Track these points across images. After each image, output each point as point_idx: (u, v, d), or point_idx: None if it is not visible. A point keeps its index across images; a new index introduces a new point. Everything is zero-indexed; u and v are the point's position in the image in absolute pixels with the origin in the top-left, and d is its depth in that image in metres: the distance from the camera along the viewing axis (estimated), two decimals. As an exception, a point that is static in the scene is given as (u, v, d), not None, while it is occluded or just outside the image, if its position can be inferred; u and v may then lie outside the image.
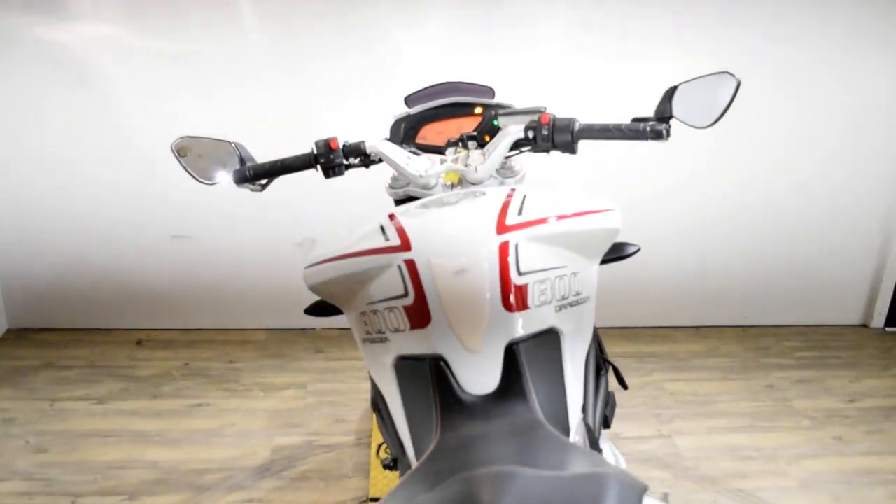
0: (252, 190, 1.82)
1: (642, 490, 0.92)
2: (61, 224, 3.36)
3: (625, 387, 1.72)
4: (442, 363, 1.22)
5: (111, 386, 3.11)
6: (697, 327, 3.80)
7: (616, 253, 1.66)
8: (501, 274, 1.25)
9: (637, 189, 3.39)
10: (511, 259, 1.27)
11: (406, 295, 1.27)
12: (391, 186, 1.78)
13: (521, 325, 1.24)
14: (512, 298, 1.24)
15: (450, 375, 1.21)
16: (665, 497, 2.58)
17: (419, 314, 1.25)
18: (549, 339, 1.28)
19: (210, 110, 3.16)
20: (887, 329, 3.92)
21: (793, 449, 2.90)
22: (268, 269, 3.48)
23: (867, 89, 3.48)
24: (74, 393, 3.05)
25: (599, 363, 1.57)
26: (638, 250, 1.69)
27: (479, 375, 1.21)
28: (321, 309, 1.72)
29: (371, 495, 2.45)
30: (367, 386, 3.06)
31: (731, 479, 2.69)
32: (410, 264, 1.29)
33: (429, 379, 1.23)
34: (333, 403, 3.03)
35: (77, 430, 2.83)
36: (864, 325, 3.94)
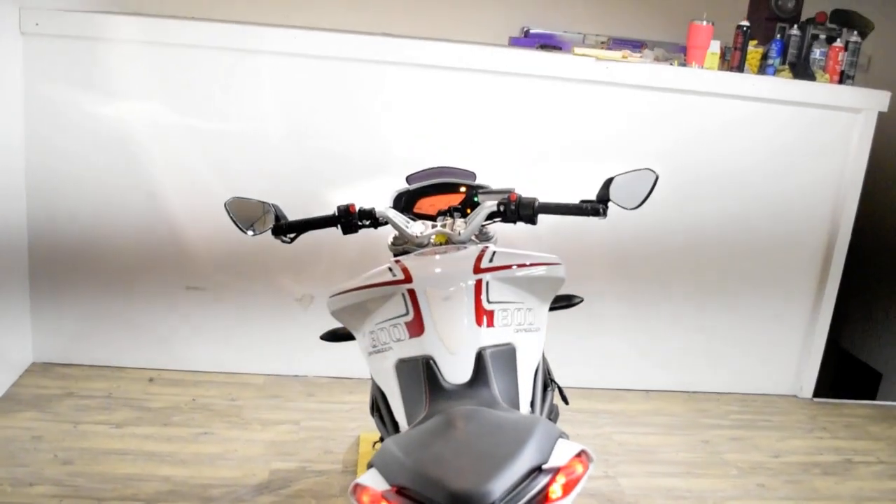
0: (283, 241, 2.31)
1: (560, 433, 1.41)
2: (88, 269, 3.82)
3: (566, 402, 2.19)
4: (431, 362, 1.71)
5: (127, 414, 3.52)
6: (647, 391, 4.28)
7: (564, 302, 2.19)
8: (476, 301, 1.76)
9: (586, 263, 3.93)
10: (483, 291, 1.78)
11: (407, 314, 1.77)
12: (393, 244, 2.29)
13: (488, 338, 1.74)
14: (483, 318, 1.74)
15: (436, 370, 1.70)
16: (607, 524, 3.01)
17: (416, 327, 1.75)
18: (507, 351, 1.78)
19: (229, 180, 3.68)
20: (814, 399, 4.42)
21: (720, 492, 3.35)
22: (270, 321, 3.94)
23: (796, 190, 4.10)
24: (95, 418, 3.46)
25: (547, 381, 2.07)
26: (581, 301, 2.21)
27: (456, 370, 1.70)
28: (333, 336, 2.21)
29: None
30: (353, 426, 3.51)
31: (666, 515, 3.13)
32: (411, 292, 1.79)
33: (421, 373, 1.71)
34: (323, 438, 3.46)
35: (98, 448, 3.23)
36: (794, 395, 4.44)
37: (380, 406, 1.96)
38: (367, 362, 1.95)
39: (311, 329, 3.47)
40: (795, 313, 4.33)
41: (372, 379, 2.00)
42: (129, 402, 3.64)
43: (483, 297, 1.78)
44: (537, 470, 1.35)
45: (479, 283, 1.80)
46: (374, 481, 1.37)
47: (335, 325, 2.14)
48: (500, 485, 1.27)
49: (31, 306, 3.83)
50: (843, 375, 5.81)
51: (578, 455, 1.41)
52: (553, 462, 1.37)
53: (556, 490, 1.39)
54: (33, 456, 3.14)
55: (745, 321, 4.28)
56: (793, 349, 4.38)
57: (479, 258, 1.87)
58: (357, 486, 1.38)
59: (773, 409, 4.27)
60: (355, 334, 2.01)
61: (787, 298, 4.30)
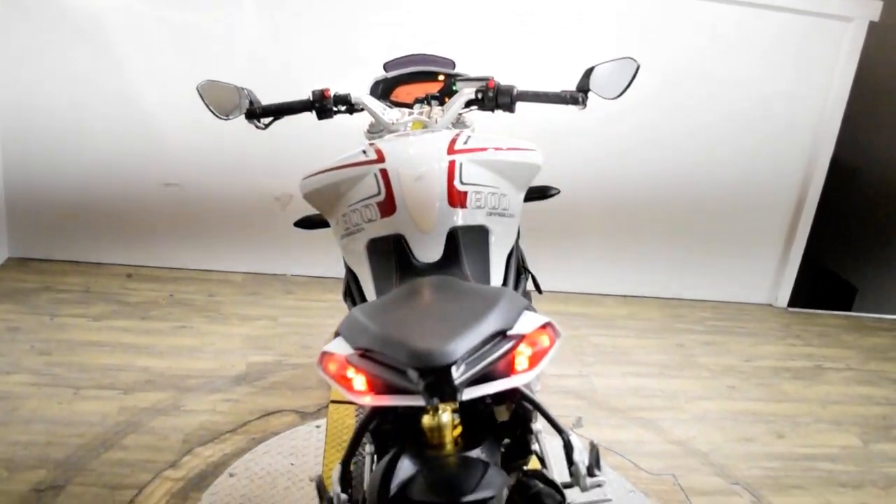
0: (257, 127, 2.25)
1: (527, 305, 1.41)
2: (64, 166, 3.75)
3: (539, 291, 2.20)
4: (402, 241, 1.69)
5: (104, 308, 3.52)
6: (624, 296, 4.32)
7: (540, 193, 2.17)
8: (448, 181, 1.73)
9: (573, 172, 3.90)
10: (456, 172, 1.75)
11: (379, 194, 1.74)
12: (369, 131, 2.25)
13: (460, 218, 1.72)
14: (455, 198, 1.72)
15: (407, 249, 1.68)
16: (578, 421, 3.07)
17: (387, 206, 1.72)
18: (480, 233, 1.76)
19: (203, 73, 3.58)
20: (789, 308, 4.48)
21: (691, 392, 3.42)
22: (249, 218, 3.91)
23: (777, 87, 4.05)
24: (72, 311, 3.46)
25: (521, 268, 2.06)
26: (558, 192, 2.19)
27: (428, 249, 1.69)
28: (307, 223, 2.18)
29: (332, 398, 2.90)
30: (331, 321, 3.52)
31: (636, 411, 3.19)
32: (383, 172, 1.76)
33: (392, 252, 1.70)
34: (300, 333, 3.48)
35: (75, 340, 3.23)
36: (770, 304, 4.50)
37: (352, 290, 1.95)
38: (340, 247, 1.94)
39: (290, 228, 3.45)
40: (774, 225, 4.35)
41: (345, 264, 1.99)
42: (106, 296, 3.63)
43: (456, 178, 1.75)
44: (501, 335, 1.36)
45: (452, 163, 1.77)
46: (339, 347, 1.37)
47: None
48: (463, 345, 1.27)
49: (6, 202, 3.78)
50: (820, 289, 5.88)
51: (545, 327, 1.41)
52: (518, 329, 1.37)
53: (521, 361, 1.40)
54: (10, 346, 3.14)
55: (724, 232, 4.30)
56: (770, 260, 4.41)
57: (454, 140, 1.83)
58: (323, 353, 1.39)
59: (747, 316, 4.33)
60: (329, 219, 1.99)
61: (766, 211, 4.31)
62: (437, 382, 1.27)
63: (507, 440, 1.79)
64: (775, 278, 4.45)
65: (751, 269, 4.42)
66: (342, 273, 2.01)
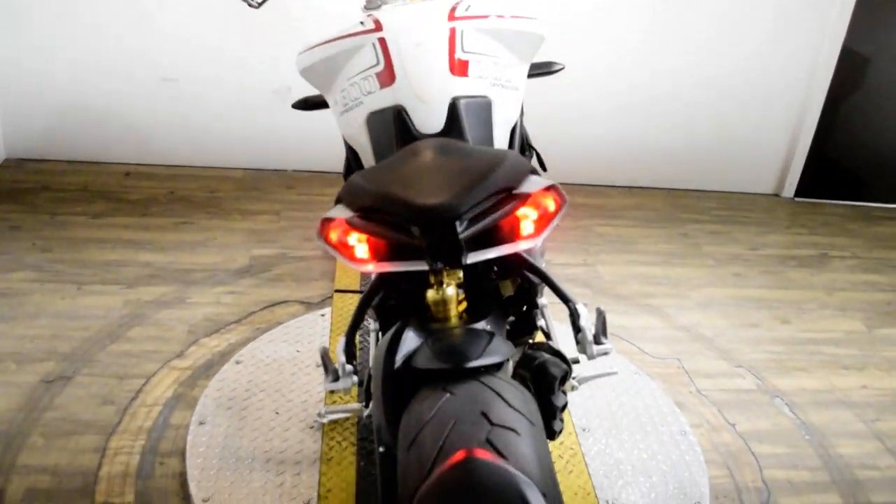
0: (250, 5, 2.16)
1: (532, 169, 1.36)
2: (59, 63, 3.65)
3: (544, 169, 2.15)
4: (402, 112, 1.63)
5: (104, 206, 3.49)
6: (630, 187, 4.27)
7: (544, 69, 2.08)
8: (449, 48, 1.66)
9: (581, 65, 3.78)
10: (457, 40, 1.68)
11: (377, 64, 1.67)
12: (366, 7, 2.15)
13: (462, 87, 1.66)
14: (456, 67, 1.65)
15: (408, 120, 1.63)
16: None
17: (387, 76, 1.66)
18: (483, 104, 1.70)
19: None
20: (796, 199, 4.43)
21: (696, 280, 3.41)
22: (247, 113, 3.83)
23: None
24: (72, 209, 3.42)
25: (525, 145, 2.01)
26: (562, 68, 2.11)
27: (429, 120, 1.63)
28: (305, 104, 2.11)
29: (336, 287, 2.89)
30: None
31: (641, 298, 3.19)
32: (382, 41, 1.69)
33: (392, 124, 1.64)
34: (303, 227, 3.45)
35: (76, 237, 3.21)
36: (776, 195, 4.45)
37: (353, 168, 1.91)
38: (339, 125, 1.88)
39: (290, 123, 3.41)
40: (781, 116, 4.25)
41: (345, 142, 1.94)
42: (105, 194, 3.59)
43: (458, 46, 1.68)
44: (506, 193, 1.32)
45: (453, 31, 1.69)
46: (339, 212, 1.34)
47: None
48: (467, 201, 1.24)
49: (0, 103, 3.70)
50: (827, 181, 5.80)
51: (550, 189, 1.37)
52: (523, 189, 1.33)
53: (526, 226, 1.36)
54: (12, 244, 3.12)
55: (731, 122, 4.20)
56: (777, 150, 4.33)
57: (454, 8, 1.75)
58: (323, 221, 1.35)
59: (754, 206, 4.29)
60: (327, 98, 1.93)
61: (774, 100, 4.20)
62: (441, 239, 1.24)
63: (512, 318, 1.78)
64: (782, 168, 4.38)
65: (758, 159, 4.35)
66: (343, 168, 1.97)
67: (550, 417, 1.63)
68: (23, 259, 3.03)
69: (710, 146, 4.24)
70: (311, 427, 2.21)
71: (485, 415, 1.23)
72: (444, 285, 1.62)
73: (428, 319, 1.59)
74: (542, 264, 1.82)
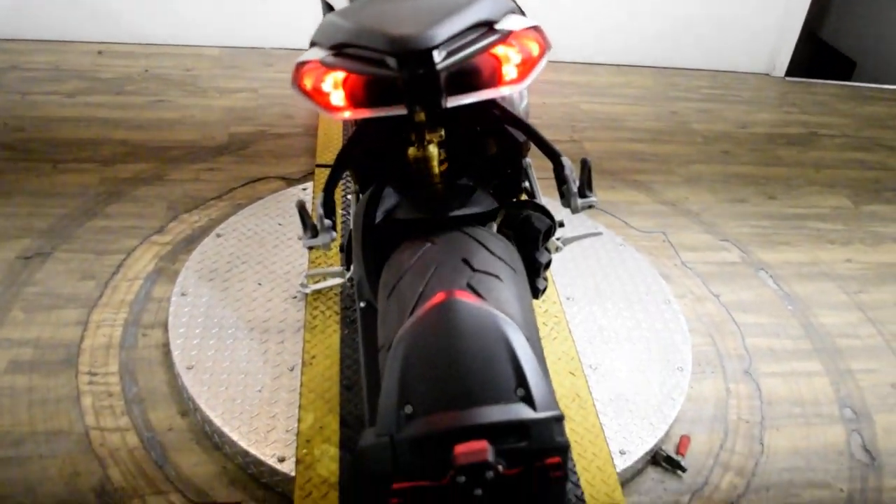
0: None
1: (514, 8, 1.29)
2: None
3: None
4: None
5: (77, 84, 3.37)
6: (618, 65, 4.16)
7: None
8: None
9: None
10: None
11: None
12: None
13: None
14: None
15: None
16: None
17: None
18: None
19: None
20: (787, 78, 4.34)
21: (685, 157, 3.36)
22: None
23: None
24: (43, 88, 3.31)
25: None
26: None
27: None
28: None
29: (318, 162, 2.83)
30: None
31: (628, 174, 3.15)
32: None
33: None
34: (283, 105, 3.36)
35: (49, 116, 3.11)
36: (767, 74, 4.36)
37: None
38: None
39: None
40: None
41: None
42: (78, 73, 3.47)
43: None
44: (487, 27, 1.25)
45: None
46: (314, 54, 1.27)
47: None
48: (445, 30, 1.17)
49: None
50: (818, 63, 5.70)
51: (533, 30, 1.30)
52: (505, 25, 1.27)
53: (509, 71, 1.30)
54: (-19, 122, 3.03)
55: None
56: (768, 28, 4.21)
57: None
58: (297, 66, 1.28)
59: (744, 85, 4.20)
60: None
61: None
62: (419, 70, 1.18)
63: (496, 182, 1.73)
64: (773, 47, 4.27)
65: (749, 37, 4.23)
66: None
67: (534, 275, 1.61)
68: (-6, 139, 2.94)
69: (700, 24, 4.11)
70: (295, 297, 2.20)
71: (466, 261, 1.20)
72: (426, 142, 1.57)
73: (409, 179, 1.55)
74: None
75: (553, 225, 1.52)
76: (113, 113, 3.17)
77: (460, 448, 0.91)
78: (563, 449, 0.99)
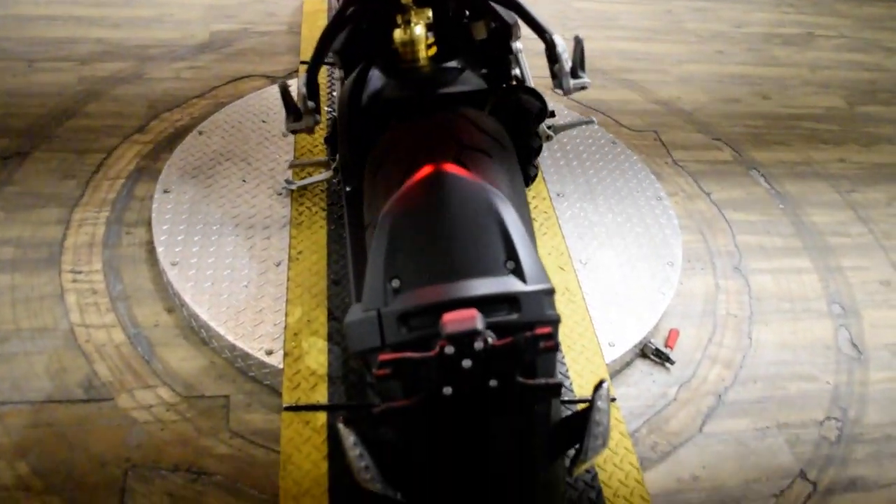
0: None
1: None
2: None
3: None
4: None
5: (49, -19, 3.24)
6: (612, -37, 4.03)
7: None
8: None
9: None
10: None
11: None
12: None
13: None
14: None
15: None
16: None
17: None
18: None
19: None
20: (785, -24, 4.22)
21: (678, 56, 3.28)
22: None
23: None
24: (14, -15, 3.18)
25: None
26: None
27: None
28: None
29: (302, 59, 2.75)
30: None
31: (621, 73, 3.08)
32: None
33: None
34: (265, 1, 3.24)
35: (23, 15, 3.00)
36: (765, -28, 4.23)
37: None
38: None
39: None
40: None
41: None
42: (50, -30, 3.33)
43: None
44: None
45: None
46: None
47: None
48: None
49: None
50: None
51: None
52: None
53: None
54: (-49, 20, 2.92)
55: None
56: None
57: None
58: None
59: (741, -17, 4.08)
60: None
61: None
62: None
63: (487, 68, 1.68)
64: (773, -57, 4.13)
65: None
66: None
67: (525, 160, 1.58)
68: (-34, 36, 2.84)
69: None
70: (280, 194, 2.16)
71: (455, 138, 1.16)
72: (412, 24, 1.51)
73: (395, 63, 1.50)
74: None
75: (544, 109, 1.48)
76: (88, 11, 3.06)
77: (448, 316, 0.89)
78: (555, 322, 0.98)
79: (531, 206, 2.22)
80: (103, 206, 2.22)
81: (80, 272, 2.03)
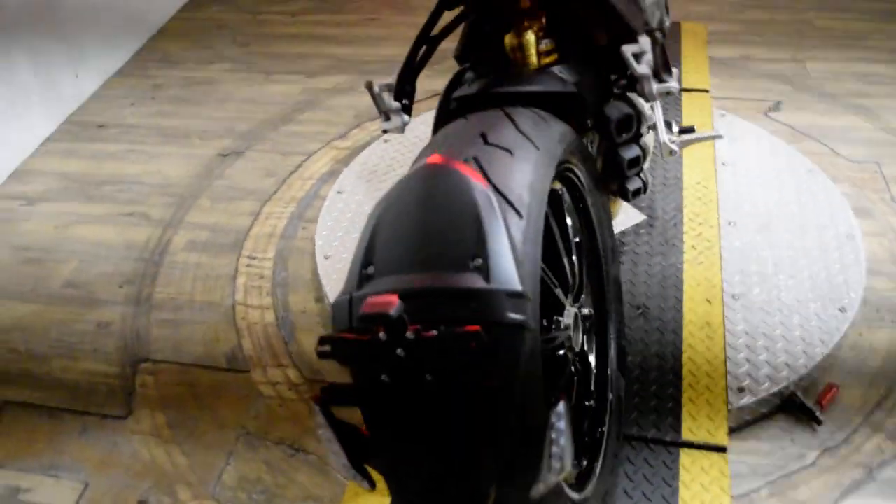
0: None
1: None
2: None
3: None
4: None
5: (304, 4, 3.62)
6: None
7: None
8: None
9: None
10: None
11: None
12: None
13: None
14: None
15: None
16: (776, 105, 2.71)
17: None
18: None
19: None
20: None
21: (934, 81, 2.85)
22: None
23: None
24: (273, 9, 3.60)
25: None
26: None
27: None
28: None
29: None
30: None
31: (852, 97, 2.74)
32: None
33: None
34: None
35: (273, 33, 3.39)
36: None
37: None
38: None
39: None
40: None
41: None
42: (306, -5, 3.73)
43: None
44: None
45: None
46: None
47: None
48: None
49: None
50: None
51: None
52: None
53: None
54: (216, 40, 3.37)
55: None
56: None
57: None
58: None
59: None
60: None
61: None
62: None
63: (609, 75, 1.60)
64: None
65: None
66: None
67: (616, 172, 1.49)
68: (223, 52, 3.26)
69: None
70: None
71: (483, 134, 1.14)
72: (524, 29, 1.50)
73: (490, 65, 1.51)
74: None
75: (635, 116, 1.38)
76: (329, 30, 3.37)
77: (370, 300, 0.89)
78: (514, 325, 0.92)
79: (695, 233, 2.07)
80: (290, 203, 2.44)
81: (255, 258, 2.24)
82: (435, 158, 1.06)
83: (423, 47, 1.58)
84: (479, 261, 0.94)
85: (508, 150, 1.10)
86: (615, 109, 1.35)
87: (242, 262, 2.24)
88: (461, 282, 0.93)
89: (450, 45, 1.66)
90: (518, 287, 0.93)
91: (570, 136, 1.26)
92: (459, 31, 1.67)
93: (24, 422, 1.86)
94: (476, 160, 1.07)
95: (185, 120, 2.86)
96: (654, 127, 1.54)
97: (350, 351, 0.93)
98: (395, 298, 0.87)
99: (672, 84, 1.33)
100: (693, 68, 2.75)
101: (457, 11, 1.60)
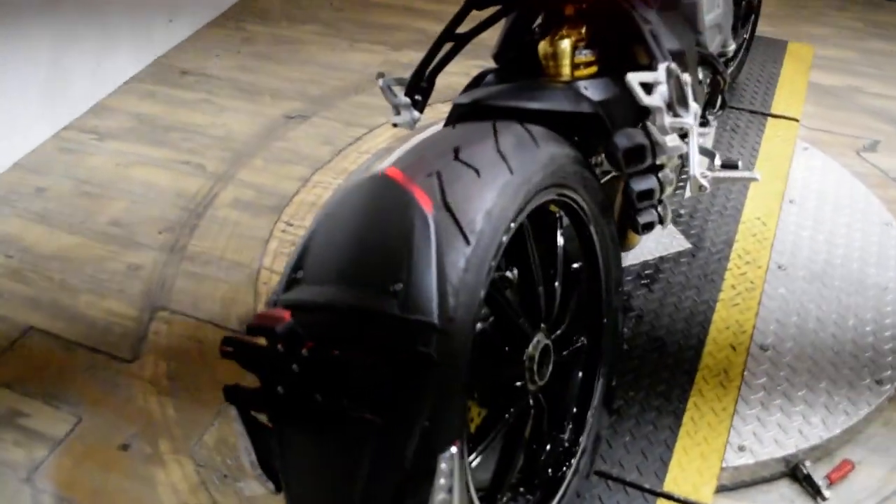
0: None
1: None
2: None
3: None
4: None
5: (408, -24, 3.60)
6: None
7: None
8: None
9: None
10: None
11: None
12: None
13: None
14: None
15: None
16: (873, 145, 2.50)
17: None
18: None
19: None
20: None
21: None
22: None
23: None
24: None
25: None
26: None
27: None
28: None
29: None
30: None
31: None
32: None
33: None
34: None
35: (370, 1, 3.37)
36: None
37: None
38: None
39: None
40: None
41: None
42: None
43: None
44: None
45: None
46: None
47: None
48: None
49: None
50: None
51: None
52: None
53: None
54: (314, 1, 3.39)
55: None
56: None
57: None
58: None
59: None
60: None
61: None
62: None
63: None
64: None
65: None
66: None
67: (628, 204, 1.39)
68: (317, 15, 3.28)
69: None
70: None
71: (456, 149, 1.08)
72: (560, 38, 1.42)
73: (508, 73, 1.45)
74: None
75: (647, 147, 1.27)
76: (424, 5, 3.33)
77: (259, 312, 0.86)
78: (421, 359, 0.87)
79: (739, 272, 1.93)
80: (341, 174, 2.43)
81: (291, 225, 2.25)
82: (390, 170, 1.00)
83: (447, 45, 1.51)
84: (398, 286, 0.89)
85: (476, 170, 1.03)
86: (625, 138, 1.25)
87: (278, 227, 2.24)
88: (375, 304, 0.89)
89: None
90: (433, 319, 0.88)
91: (563, 161, 1.18)
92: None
93: (41, 348, 1.94)
94: (438, 176, 1.01)
95: (263, 77, 2.89)
96: (685, 157, 1.42)
97: (250, 357, 0.91)
98: (286, 315, 0.85)
99: (686, 120, 1.21)
100: (787, 93, 2.56)
101: (491, 10, 1.53)
